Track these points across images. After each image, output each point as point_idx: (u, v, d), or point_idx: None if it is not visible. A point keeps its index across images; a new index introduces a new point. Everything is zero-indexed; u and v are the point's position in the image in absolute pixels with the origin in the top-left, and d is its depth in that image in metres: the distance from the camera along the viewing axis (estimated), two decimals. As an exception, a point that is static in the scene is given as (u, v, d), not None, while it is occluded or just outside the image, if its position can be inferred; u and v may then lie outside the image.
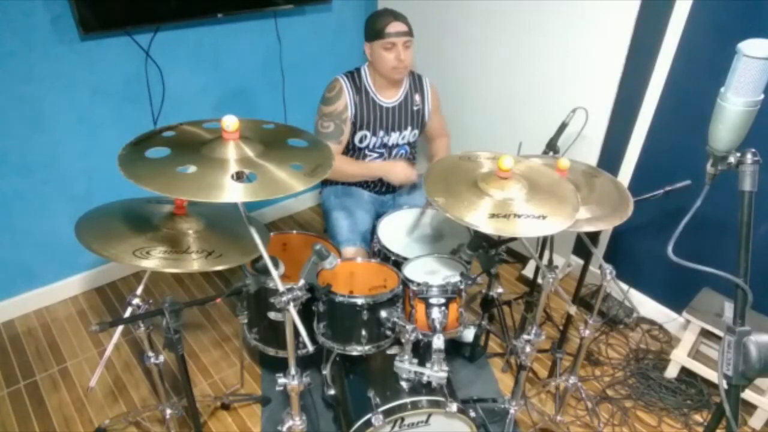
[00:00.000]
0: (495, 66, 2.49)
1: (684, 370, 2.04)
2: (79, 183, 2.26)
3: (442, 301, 1.56)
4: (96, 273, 2.49)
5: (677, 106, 2.01)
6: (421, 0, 2.60)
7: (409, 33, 1.96)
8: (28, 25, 1.91)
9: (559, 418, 1.84)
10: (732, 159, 0.96)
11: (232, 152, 1.15)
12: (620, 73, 2.09)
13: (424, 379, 1.48)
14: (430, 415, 1.51)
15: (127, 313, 1.35)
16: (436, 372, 1.45)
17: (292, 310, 1.14)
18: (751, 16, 1.74)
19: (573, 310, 1.63)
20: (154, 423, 1.82)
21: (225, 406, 1.91)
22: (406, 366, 1.51)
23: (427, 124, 2.24)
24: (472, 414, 1.56)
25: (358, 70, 2.08)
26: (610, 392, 2.02)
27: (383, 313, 1.58)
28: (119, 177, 1.06)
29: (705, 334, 1.99)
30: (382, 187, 2.24)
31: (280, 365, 1.79)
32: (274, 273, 1.15)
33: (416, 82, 2.16)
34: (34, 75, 1.98)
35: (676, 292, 2.25)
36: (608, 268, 1.50)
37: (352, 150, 2.14)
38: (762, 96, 0.92)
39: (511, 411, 1.63)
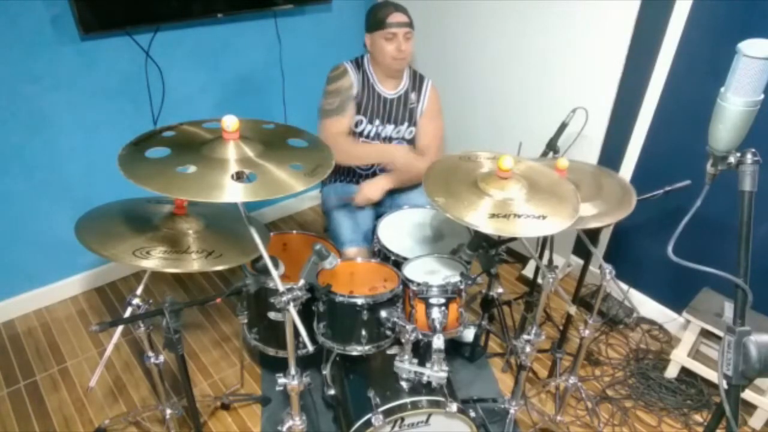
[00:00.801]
0: (495, 66, 2.49)
1: (684, 370, 2.04)
2: (79, 183, 2.26)
3: (442, 301, 1.55)
4: (96, 273, 2.49)
5: (677, 106, 2.01)
6: (421, 0, 2.60)
7: (410, 24, 1.97)
8: (29, 25, 1.91)
9: (559, 418, 1.84)
10: (732, 159, 0.96)
11: (232, 152, 1.15)
12: (620, 73, 2.09)
13: (424, 379, 1.48)
14: (430, 415, 1.51)
15: (127, 313, 1.35)
16: (436, 372, 1.45)
17: (292, 310, 1.14)
18: (751, 16, 1.74)
19: (573, 310, 1.63)
20: (154, 423, 1.82)
21: (225, 406, 1.91)
22: (406, 366, 1.51)
23: (417, 127, 2.16)
24: (472, 414, 1.56)
25: (360, 57, 2.09)
26: (610, 392, 2.02)
27: (383, 313, 1.58)
28: (119, 177, 1.06)
29: (705, 334, 1.99)
30: None
31: (280, 365, 1.78)
32: (274, 273, 1.15)
33: (416, 81, 2.15)
34: (34, 75, 1.98)
35: (676, 292, 2.25)
36: (608, 268, 1.50)
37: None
38: (762, 96, 0.92)
39: (511, 411, 1.63)
